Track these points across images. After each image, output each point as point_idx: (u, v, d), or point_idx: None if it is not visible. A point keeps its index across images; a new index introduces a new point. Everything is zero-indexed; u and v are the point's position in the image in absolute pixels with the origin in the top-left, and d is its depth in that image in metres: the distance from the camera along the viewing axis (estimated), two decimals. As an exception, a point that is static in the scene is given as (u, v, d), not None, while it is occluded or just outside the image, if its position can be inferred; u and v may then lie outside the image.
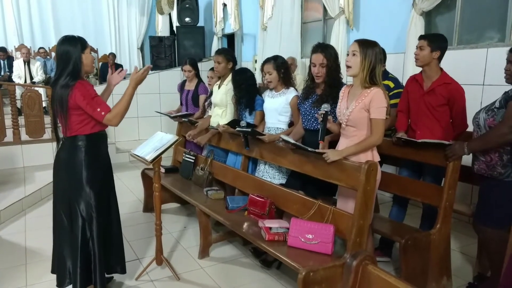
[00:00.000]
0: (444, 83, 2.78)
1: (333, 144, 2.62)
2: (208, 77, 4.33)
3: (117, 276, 2.80)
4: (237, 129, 3.14)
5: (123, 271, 2.70)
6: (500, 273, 2.28)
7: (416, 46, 2.86)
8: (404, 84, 3.27)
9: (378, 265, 1.34)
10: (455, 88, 2.77)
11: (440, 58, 2.82)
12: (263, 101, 3.32)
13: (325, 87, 2.78)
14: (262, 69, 3.21)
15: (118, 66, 9.20)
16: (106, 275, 2.68)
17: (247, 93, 3.35)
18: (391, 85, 3.24)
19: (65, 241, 2.45)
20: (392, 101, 3.07)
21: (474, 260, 2.94)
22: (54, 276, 2.53)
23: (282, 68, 3.12)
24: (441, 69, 2.84)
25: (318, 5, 6.13)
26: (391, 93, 3.15)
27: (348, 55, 2.38)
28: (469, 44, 4.04)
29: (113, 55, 9.43)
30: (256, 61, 7.34)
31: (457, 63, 3.71)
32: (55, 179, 2.50)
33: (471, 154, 2.51)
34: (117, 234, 2.66)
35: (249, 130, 3.08)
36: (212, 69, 4.20)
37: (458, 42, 4.13)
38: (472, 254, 3.09)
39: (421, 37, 2.88)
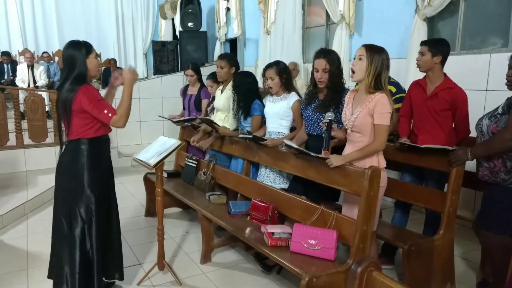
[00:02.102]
0: (447, 88, 2.79)
1: (337, 150, 2.61)
2: (207, 86, 4.32)
3: (118, 281, 2.78)
4: (240, 136, 3.13)
5: (121, 277, 2.69)
6: (502, 278, 2.27)
7: (418, 52, 2.87)
8: (406, 89, 3.27)
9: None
10: (458, 93, 2.78)
11: (442, 63, 2.82)
12: (261, 106, 3.32)
13: (328, 92, 2.78)
14: (263, 75, 3.21)
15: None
16: (107, 280, 2.69)
17: (244, 96, 3.34)
18: (393, 89, 3.24)
19: (63, 245, 2.43)
20: (394, 106, 3.06)
21: (478, 267, 2.93)
22: (56, 281, 2.52)
23: (284, 74, 3.13)
24: (445, 74, 2.85)
25: (320, 10, 6.14)
26: (393, 98, 3.14)
27: (354, 59, 2.38)
28: (472, 49, 4.03)
29: (114, 61, 9.47)
30: (257, 65, 7.34)
31: (460, 68, 3.70)
32: (57, 181, 2.51)
33: (474, 160, 2.50)
34: (117, 239, 2.65)
35: (251, 136, 3.08)
36: (209, 77, 4.18)
37: (461, 48, 4.13)
38: (476, 260, 3.07)
39: (422, 43, 2.90)
